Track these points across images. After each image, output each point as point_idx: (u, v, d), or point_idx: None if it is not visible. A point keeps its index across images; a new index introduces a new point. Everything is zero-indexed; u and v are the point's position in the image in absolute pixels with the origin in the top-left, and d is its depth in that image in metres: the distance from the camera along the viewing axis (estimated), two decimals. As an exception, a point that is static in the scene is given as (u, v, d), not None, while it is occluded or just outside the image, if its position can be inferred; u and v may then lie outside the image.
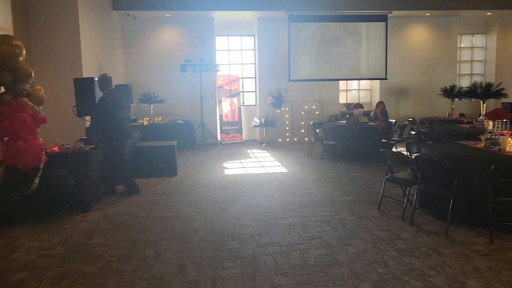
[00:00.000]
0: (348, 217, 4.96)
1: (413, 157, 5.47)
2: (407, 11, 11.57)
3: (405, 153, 5.50)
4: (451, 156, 4.55)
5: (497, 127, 4.83)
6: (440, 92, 10.59)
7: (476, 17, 12.79)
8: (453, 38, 12.72)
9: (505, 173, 3.98)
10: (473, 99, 10.45)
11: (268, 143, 11.96)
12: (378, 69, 12.15)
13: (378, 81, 12.56)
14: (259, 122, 11.89)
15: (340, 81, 12.76)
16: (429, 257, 3.74)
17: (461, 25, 12.85)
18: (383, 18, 11.88)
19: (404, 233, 4.36)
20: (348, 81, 13.08)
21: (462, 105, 12.45)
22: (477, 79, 13.29)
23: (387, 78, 12.20)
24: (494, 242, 4.00)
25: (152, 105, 11.03)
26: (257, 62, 12.45)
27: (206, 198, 6.02)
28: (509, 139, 4.69)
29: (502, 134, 4.78)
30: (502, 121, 4.78)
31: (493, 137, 4.83)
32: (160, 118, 11.10)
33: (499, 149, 4.70)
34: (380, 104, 10.24)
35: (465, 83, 12.92)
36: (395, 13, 11.71)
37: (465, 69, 13.42)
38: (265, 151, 10.63)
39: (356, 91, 13.40)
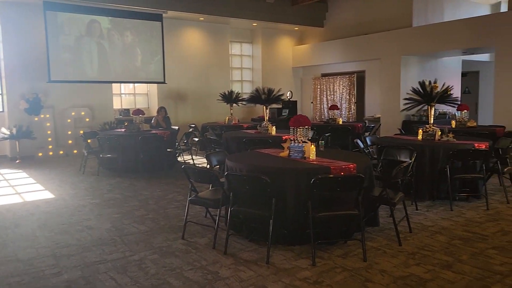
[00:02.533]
0: (148, 256, 3.84)
1: (215, 169, 4.79)
2: (182, 13, 11.10)
3: (188, 162, 4.76)
4: (264, 169, 4.01)
5: (299, 134, 4.59)
6: (220, 98, 10.49)
7: (244, 27, 13.43)
8: (225, 45, 12.99)
9: (324, 186, 3.65)
10: (254, 105, 10.75)
11: (23, 160, 9.51)
12: (155, 72, 11.28)
13: (156, 85, 11.69)
14: (9, 133, 9.32)
15: (114, 84, 11.31)
16: (261, 300, 3.03)
17: (232, 33, 13.27)
18: (159, 18, 11.08)
19: (222, 268, 3.56)
20: (123, 84, 11.73)
21: (236, 110, 12.79)
22: (247, 85, 14.04)
23: (166, 82, 11.46)
24: (316, 263, 3.62)
25: None
26: (2, 57, 9.76)
27: None
28: (312, 146, 4.49)
29: (305, 142, 4.56)
30: (304, 128, 4.57)
31: (296, 144, 4.55)
32: None
33: (304, 157, 4.45)
34: (162, 110, 9.38)
35: (237, 89, 13.35)
36: (170, 13, 11.07)
37: (236, 75, 13.95)
38: (21, 171, 8.32)
39: (132, 96, 12.17)
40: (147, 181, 7.21)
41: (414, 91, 6.17)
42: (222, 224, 4.51)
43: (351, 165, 4.03)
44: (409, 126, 10.22)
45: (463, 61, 12.55)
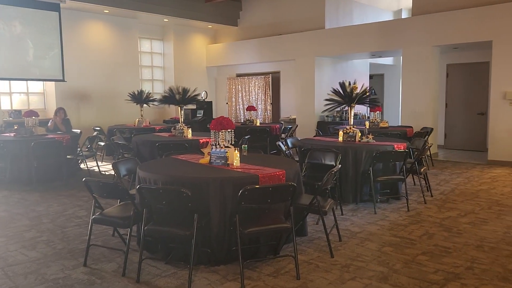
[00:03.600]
0: (39, 294, 3.10)
1: (124, 179, 4.14)
2: (83, 3, 9.99)
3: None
4: (183, 180, 3.47)
5: (221, 138, 4.12)
6: (128, 98, 9.62)
7: (154, 23, 12.59)
8: (133, 42, 12.06)
9: (254, 198, 3.22)
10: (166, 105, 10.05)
11: None
12: (52, 69, 10.02)
13: (54, 83, 10.42)
14: None
15: (1, 82, 9.82)
16: None
17: (141, 29, 12.37)
18: (55, 7, 9.86)
19: (135, 302, 2.96)
20: (13, 81, 10.25)
21: (147, 112, 11.93)
22: (158, 85, 13.22)
23: (65, 80, 10.26)
24: (246, 285, 3.18)
25: None
26: None
27: None
28: (236, 152, 4.06)
29: (227, 147, 4.10)
30: (227, 131, 4.11)
31: (218, 150, 4.08)
32: None
33: (227, 164, 3.99)
34: (60, 111, 8.29)
35: (147, 88, 12.48)
36: (69, 3, 9.91)
37: (146, 74, 13.05)
38: None
39: (25, 95, 10.70)
40: (42, 194, 6.21)
41: (335, 92, 6.05)
42: (134, 243, 3.89)
43: (279, 172, 3.67)
44: (324, 127, 10.29)
45: (370, 64, 13.08)
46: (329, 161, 5.03)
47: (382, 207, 5.38)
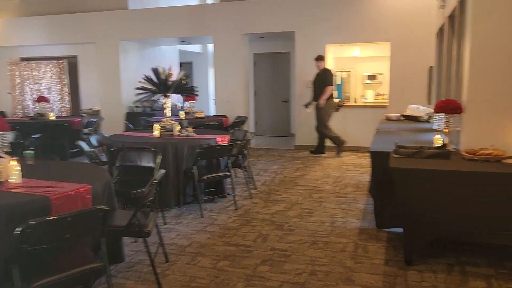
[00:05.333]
0: None
1: None
2: None
3: None
4: None
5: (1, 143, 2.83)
6: None
7: None
8: None
9: (42, 237, 2.17)
10: None
11: None
12: None
13: None
14: None
15: None
16: None
17: None
18: None
19: None
20: None
21: None
22: None
23: None
24: None
25: None
26: None
27: None
28: (13, 163, 2.84)
29: (1, 157, 2.84)
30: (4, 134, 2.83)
31: (-17, 163, 2.79)
32: None
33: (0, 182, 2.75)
34: None
35: None
36: None
37: None
38: None
39: None
40: None
41: (147, 79, 5.19)
42: None
43: (82, 188, 2.67)
44: (134, 119, 9.23)
45: (179, 51, 12.49)
46: (146, 162, 4.20)
47: (208, 208, 4.84)
